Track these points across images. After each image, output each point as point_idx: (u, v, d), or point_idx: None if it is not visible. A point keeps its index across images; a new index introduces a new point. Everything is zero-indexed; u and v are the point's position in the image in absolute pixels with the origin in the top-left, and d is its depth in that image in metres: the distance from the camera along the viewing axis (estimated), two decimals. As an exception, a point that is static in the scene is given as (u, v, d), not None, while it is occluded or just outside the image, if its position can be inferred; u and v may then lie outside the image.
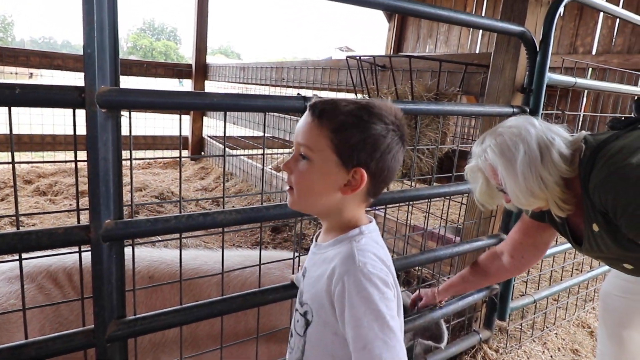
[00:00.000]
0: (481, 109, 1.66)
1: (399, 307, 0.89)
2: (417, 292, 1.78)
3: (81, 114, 0.99)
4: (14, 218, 3.62)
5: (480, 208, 1.45)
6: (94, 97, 0.98)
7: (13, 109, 0.99)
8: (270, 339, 1.63)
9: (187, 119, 6.60)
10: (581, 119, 2.81)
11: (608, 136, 1.31)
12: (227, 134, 6.24)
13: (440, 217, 2.41)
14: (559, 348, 2.48)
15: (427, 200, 1.82)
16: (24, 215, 1.16)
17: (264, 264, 1.39)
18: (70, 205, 3.90)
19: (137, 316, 1.12)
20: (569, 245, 2.26)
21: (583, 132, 1.39)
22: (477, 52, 7.46)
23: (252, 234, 3.93)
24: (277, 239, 3.77)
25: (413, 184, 1.71)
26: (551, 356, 2.39)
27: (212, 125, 6.58)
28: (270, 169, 5.10)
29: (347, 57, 2.80)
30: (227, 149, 5.91)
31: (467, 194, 1.98)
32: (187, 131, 6.65)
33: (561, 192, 1.29)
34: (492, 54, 1.99)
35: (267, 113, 1.34)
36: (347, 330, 0.79)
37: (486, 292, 2.10)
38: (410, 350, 1.80)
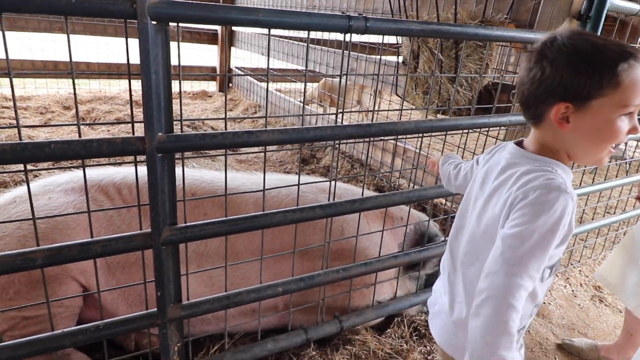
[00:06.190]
0: (532, 36, 1.57)
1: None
2: None
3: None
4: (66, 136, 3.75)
5: None
6: (145, 9, 0.98)
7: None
8: (303, 256, 1.74)
9: (215, 50, 6.50)
10: None
11: None
12: (254, 66, 6.15)
13: (473, 152, 2.37)
14: (581, 284, 2.54)
15: (463, 131, 1.80)
16: (84, 124, 1.23)
17: (302, 184, 1.44)
18: (108, 131, 4.02)
19: (188, 224, 1.20)
20: (602, 185, 2.23)
21: None
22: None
23: (281, 165, 4.02)
24: (305, 169, 3.85)
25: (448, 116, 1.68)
26: (572, 290, 2.46)
27: (240, 56, 6.46)
28: (300, 101, 5.06)
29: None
30: (255, 80, 5.86)
31: (505, 128, 1.94)
32: (215, 62, 6.57)
33: None
34: (548, -25, 1.84)
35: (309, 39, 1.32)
36: None
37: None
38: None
